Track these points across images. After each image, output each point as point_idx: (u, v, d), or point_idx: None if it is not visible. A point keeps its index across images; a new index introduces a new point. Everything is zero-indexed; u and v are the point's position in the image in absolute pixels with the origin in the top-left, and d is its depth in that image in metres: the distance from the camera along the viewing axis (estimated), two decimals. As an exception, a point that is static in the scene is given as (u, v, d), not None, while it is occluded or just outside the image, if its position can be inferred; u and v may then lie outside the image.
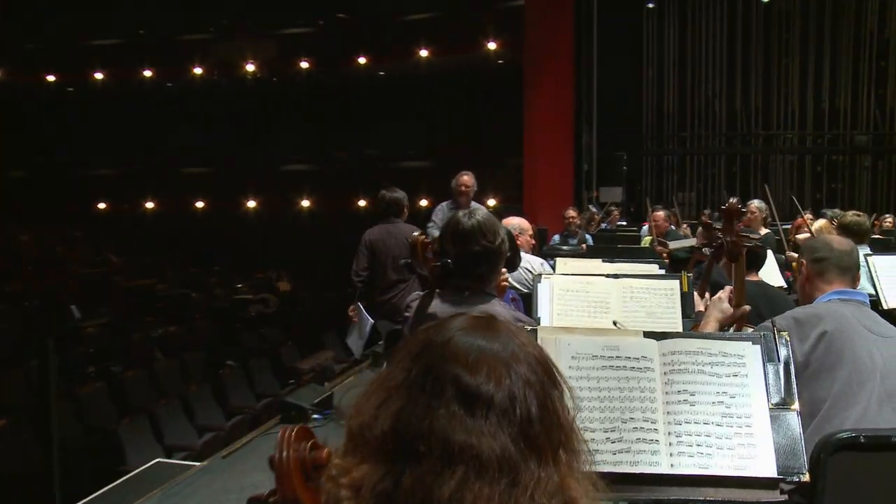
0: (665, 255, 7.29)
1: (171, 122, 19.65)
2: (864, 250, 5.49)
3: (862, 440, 2.13)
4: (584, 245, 8.87)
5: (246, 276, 17.02)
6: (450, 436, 1.00)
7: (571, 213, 10.22)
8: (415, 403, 1.03)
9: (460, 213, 2.93)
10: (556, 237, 9.99)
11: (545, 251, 7.42)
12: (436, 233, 6.02)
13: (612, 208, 13.96)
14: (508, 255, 3.03)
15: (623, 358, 2.09)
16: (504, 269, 3.15)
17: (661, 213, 9.62)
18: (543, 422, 1.05)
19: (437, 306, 2.84)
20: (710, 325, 2.81)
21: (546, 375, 1.11)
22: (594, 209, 13.67)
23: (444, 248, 2.91)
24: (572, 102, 15.25)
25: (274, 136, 19.57)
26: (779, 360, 2.11)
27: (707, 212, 14.24)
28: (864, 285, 5.28)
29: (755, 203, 8.59)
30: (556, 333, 2.16)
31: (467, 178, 7.56)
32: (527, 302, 4.07)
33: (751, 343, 2.13)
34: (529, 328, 2.15)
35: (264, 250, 17.78)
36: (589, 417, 2.01)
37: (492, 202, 16.63)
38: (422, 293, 2.95)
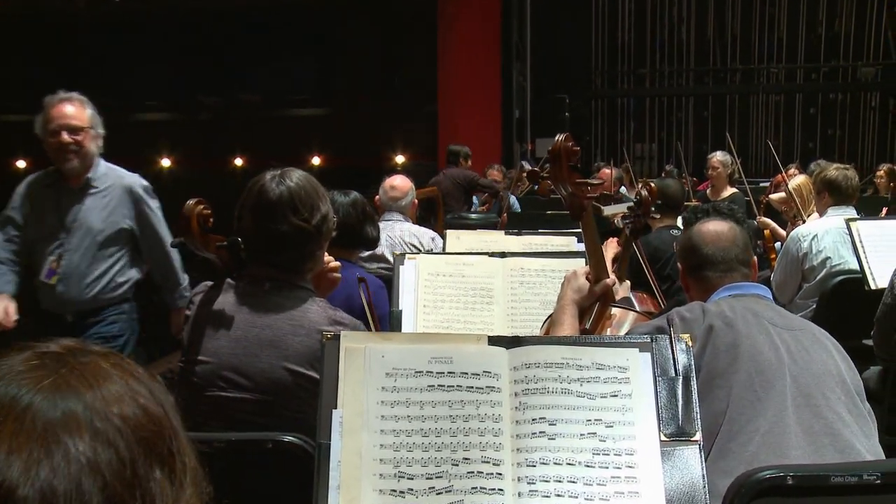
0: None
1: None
2: (849, 213, 5.40)
3: (790, 481, 1.97)
4: (504, 214, 8.68)
5: (89, 257, 16.47)
6: None
7: (494, 173, 10.09)
8: None
9: (267, 176, 2.69)
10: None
11: (449, 221, 7.23)
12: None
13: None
14: (335, 233, 2.85)
15: (458, 374, 1.94)
16: (328, 256, 2.92)
17: (606, 171, 9.52)
18: None
19: (227, 302, 2.61)
20: (567, 312, 2.68)
21: (145, 452, 0.92)
22: (527, 165, 13.54)
23: (240, 221, 2.70)
24: (499, 32, 15.06)
25: (122, 76, 18.96)
26: (677, 374, 1.97)
27: (668, 167, 14.24)
28: (847, 258, 5.21)
29: (718, 156, 8.50)
30: (366, 341, 1.96)
31: (70, 111, 4.48)
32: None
33: (637, 350, 1.99)
34: (330, 335, 1.92)
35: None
36: (407, 458, 1.86)
37: (401, 159, 16.40)
38: (209, 284, 2.72)
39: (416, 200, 5.55)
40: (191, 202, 2.68)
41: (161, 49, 18.96)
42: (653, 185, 4.60)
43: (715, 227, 2.99)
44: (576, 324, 2.67)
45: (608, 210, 6.77)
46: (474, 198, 10.16)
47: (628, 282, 4.44)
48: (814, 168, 8.38)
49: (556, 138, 2.62)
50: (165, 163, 19.38)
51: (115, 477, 0.87)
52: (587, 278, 2.72)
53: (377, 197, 5.42)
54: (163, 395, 0.99)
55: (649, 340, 1.98)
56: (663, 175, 13.73)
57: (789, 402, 2.46)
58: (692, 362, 1.96)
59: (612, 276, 2.79)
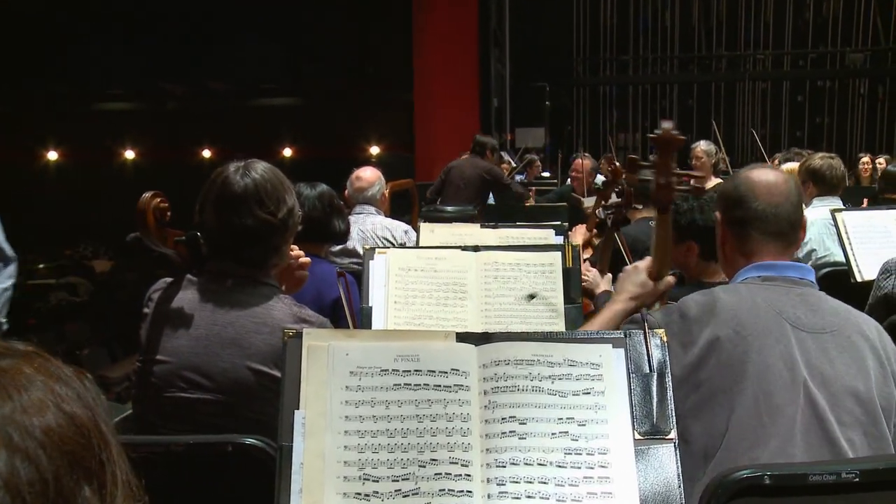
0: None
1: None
2: (834, 203, 5.43)
3: (767, 480, 1.96)
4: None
5: (49, 254, 16.38)
6: None
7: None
8: None
9: (231, 168, 2.70)
10: None
11: (424, 214, 7.22)
12: None
13: (531, 155, 13.85)
14: (300, 227, 2.86)
15: (425, 372, 1.93)
16: (297, 251, 2.93)
17: (587, 162, 9.50)
18: None
19: (187, 300, 2.59)
20: (612, 308, 2.68)
21: (71, 467, 0.87)
22: (507, 157, 13.56)
23: (202, 215, 2.69)
24: (476, 17, 15.04)
25: (82, 61, 18.80)
26: (651, 370, 1.96)
27: (652, 157, 14.26)
28: (833, 250, 5.24)
29: (702, 145, 8.54)
30: (330, 339, 1.94)
31: None
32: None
33: (611, 346, 1.98)
34: (292, 333, 1.92)
35: (75, 218, 17.16)
36: (372, 460, 1.84)
37: (375, 150, 16.37)
38: (168, 280, 2.71)
39: (387, 192, 5.54)
40: (146, 195, 2.66)
41: (124, 34, 18.81)
42: (618, 164, 4.64)
43: (766, 176, 2.69)
44: (615, 321, 2.64)
45: (588, 202, 6.78)
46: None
47: (610, 275, 4.46)
48: (783, 155, 8.43)
49: (664, 126, 2.57)
50: (129, 155, 19.27)
51: (37, 497, 0.83)
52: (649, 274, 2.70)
53: (346, 191, 5.42)
54: (93, 398, 0.95)
55: (622, 336, 1.98)
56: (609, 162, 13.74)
57: (797, 429, 2.31)
58: (667, 358, 1.96)
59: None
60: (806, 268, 2.63)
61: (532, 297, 3.27)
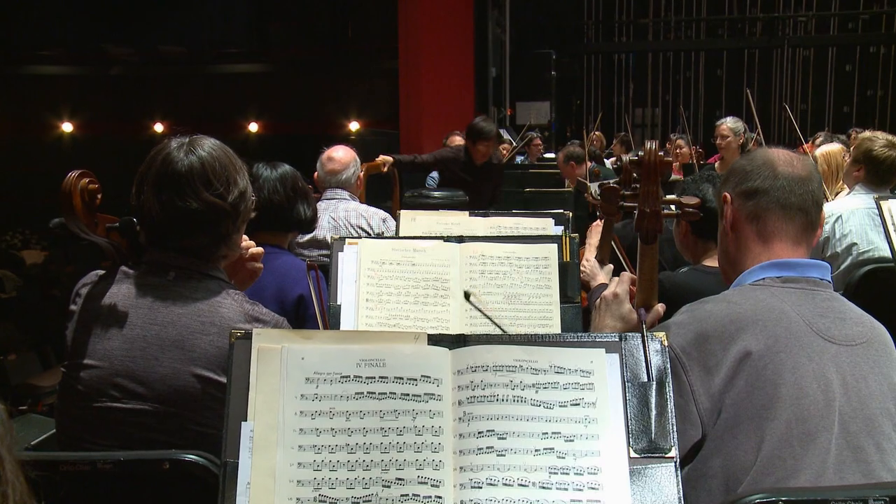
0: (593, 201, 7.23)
1: None
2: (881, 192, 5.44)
3: (782, 504, 1.97)
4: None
5: (-32, 243, 16.40)
6: None
7: (457, 140, 10.07)
8: None
9: (173, 144, 2.69)
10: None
11: (406, 200, 7.23)
12: None
13: (532, 133, 13.86)
14: (254, 213, 2.87)
15: (391, 380, 1.95)
16: (247, 241, 2.95)
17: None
18: None
19: (121, 295, 2.60)
20: None
21: None
22: (507, 135, 13.57)
23: (140, 197, 2.68)
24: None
25: (13, 19, 18.77)
26: (650, 379, 1.98)
27: (674, 136, 14.29)
28: (878, 243, 5.25)
29: (728, 123, 8.53)
30: (283, 341, 1.96)
31: None
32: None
33: (604, 351, 2.00)
34: (240, 334, 1.94)
35: (1, 201, 17.16)
36: (329, 479, 1.87)
37: (355, 125, 16.36)
38: (99, 273, 2.73)
39: (362, 175, 5.55)
40: (73, 174, 2.65)
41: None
42: (625, 159, 4.67)
43: (784, 152, 2.63)
44: None
45: (595, 188, 6.80)
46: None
47: (610, 266, 4.49)
48: (822, 137, 8.41)
49: (647, 146, 2.54)
50: (67, 127, 19.19)
51: None
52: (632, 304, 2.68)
53: (316, 173, 5.42)
54: None
55: (617, 339, 1.99)
56: (668, 146, 13.77)
57: (831, 460, 2.26)
58: (668, 365, 1.97)
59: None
60: (826, 266, 2.54)
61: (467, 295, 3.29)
